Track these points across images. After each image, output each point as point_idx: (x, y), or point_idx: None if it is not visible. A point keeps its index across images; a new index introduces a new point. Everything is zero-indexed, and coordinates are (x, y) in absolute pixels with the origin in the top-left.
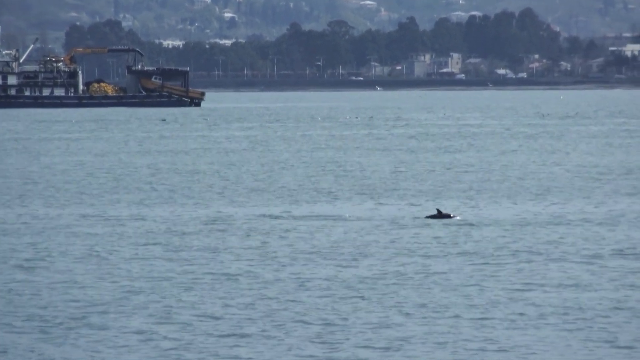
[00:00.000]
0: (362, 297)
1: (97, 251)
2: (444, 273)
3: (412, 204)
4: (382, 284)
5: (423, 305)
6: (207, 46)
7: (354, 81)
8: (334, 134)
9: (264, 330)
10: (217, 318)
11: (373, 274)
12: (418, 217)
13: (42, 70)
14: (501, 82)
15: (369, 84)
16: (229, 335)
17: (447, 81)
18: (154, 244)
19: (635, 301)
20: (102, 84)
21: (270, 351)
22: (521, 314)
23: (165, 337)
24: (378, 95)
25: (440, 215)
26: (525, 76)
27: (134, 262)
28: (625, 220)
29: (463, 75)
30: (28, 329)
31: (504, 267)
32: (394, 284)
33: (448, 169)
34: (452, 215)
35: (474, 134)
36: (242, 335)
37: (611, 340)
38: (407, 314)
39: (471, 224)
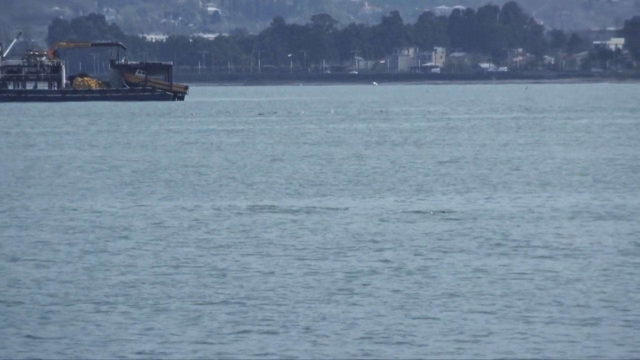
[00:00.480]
0: (349, 291)
1: (98, 244)
2: (429, 267)
3: (399, 197)
4: (370, 278)
5: (406, 297)
6: (190, 40)
7: (338, 75)
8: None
9: (249, 325)
10: (199, 319)
11: (358, 267)
12: (405, 211)
13: (26, 64)
14: (484, 76)
15: (353, 77)
16: (214, 333)
17: (431, 75)
18: (155, 239)
19: (622, 295)
20: (85, 78)
21: (260, 347)
22: (508, 306)
23: (158, 333)
24: (379, 90)
25: None
26: (507, 70)
27: (128, 256)
28: (615, 215)
29: (438, 68)
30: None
31: (499, 260)
32: (380, 277)
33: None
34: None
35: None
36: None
37: (600, 335)
38: (393, 307)
39: (464, 218)
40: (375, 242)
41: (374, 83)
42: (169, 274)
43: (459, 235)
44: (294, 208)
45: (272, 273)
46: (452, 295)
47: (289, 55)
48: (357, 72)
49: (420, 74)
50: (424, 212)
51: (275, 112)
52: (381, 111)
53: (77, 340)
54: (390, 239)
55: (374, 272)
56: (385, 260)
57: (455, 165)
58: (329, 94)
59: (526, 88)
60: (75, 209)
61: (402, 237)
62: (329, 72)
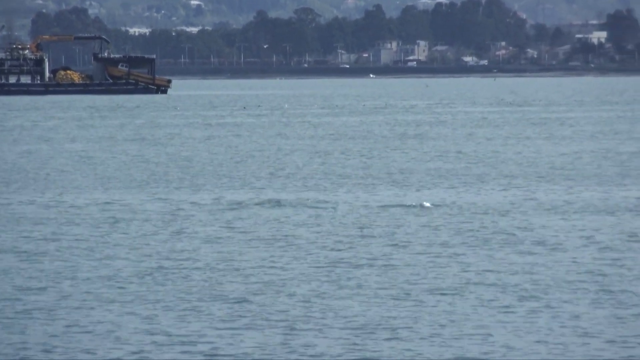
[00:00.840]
0: (333, 282)
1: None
2: (413, 259)
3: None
4: (355, 271)
5: (388, 290)
6: (173, 34)
7: (321, 69)
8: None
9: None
10: (183, 316)
11: (343, 260)
12: (386, 205)
13: (9, 57)
14: (467, 70)
15: (336, 71)
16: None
17: (413, 69)
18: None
19: (599, 287)
20: (68, 71)
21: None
22: (491, 299)
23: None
24: (380, 84)
25: None
26: (487, 63)
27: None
28: (593, 208)
29: (414, 62)
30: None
31: (484, 253)
32: (365, 271)
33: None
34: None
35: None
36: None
37: (586, 328)
38: (380, 300)
39: (448, 210)
40: (361, 235)
41: (371, 75)
42: (153, 268)
43: (441, 228)
44: (279, 201)
45: (253, 266)
46: (437, 288)
47: (265, 46)
48: (348, 66)
49: (402, 68)
50: (408, 206)
51: (260, 106)
52: (386, 106)
53: (60, 337)
54: (376, 232)
55: (358, 265)
56: (371, 254)
57: (446, 159)
58: (331, 88)
59: (494, 79)
60: (61, 202)
61: (387, 231)
62: (305, 65)
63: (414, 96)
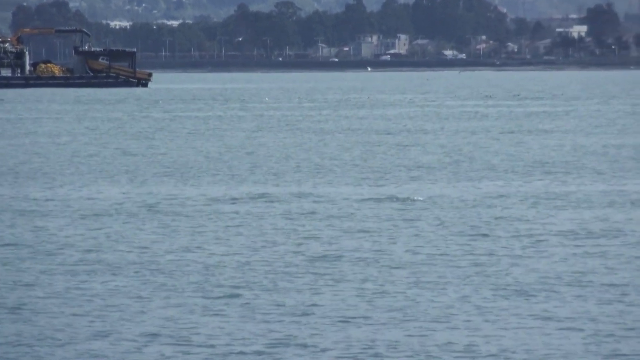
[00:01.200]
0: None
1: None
2: (397, 252)
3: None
4: (334, 264)
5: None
6: (154, 27)
7: (302, 62)
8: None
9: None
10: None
11: (321, 254)
12: (368, 198)
13: None
14: (449, 64)
15: (317, 65)
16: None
17: (395, 62)
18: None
19: (577, 278)
20: (49, 64)
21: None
22: (474, 291)
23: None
24: (380, 77)
25: None
26: (465, 57)
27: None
28: (574, 200)
29: (388, 56)
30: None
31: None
32: (342, 264)
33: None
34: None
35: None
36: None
37: (561, 319)
38: (357, 294)
39: (428, 204)
40: (340, 229)
41: (368, 68)
42: (153, 261)
43: (420, 220)
44: (255, 196)
45: (224, 262)
46: (415, 282)
47: (238, 39)
48: (337, 60)
49: (383, 61)
50: (387, 199)
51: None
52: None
53: (50, 337)
54: (356, 225)
55: (337, 258)
56: (349, 246)
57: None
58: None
59: (460, 72)
60: (52, 196)
61: (366, 223)
62: (280, 59)
63: (429, 90)
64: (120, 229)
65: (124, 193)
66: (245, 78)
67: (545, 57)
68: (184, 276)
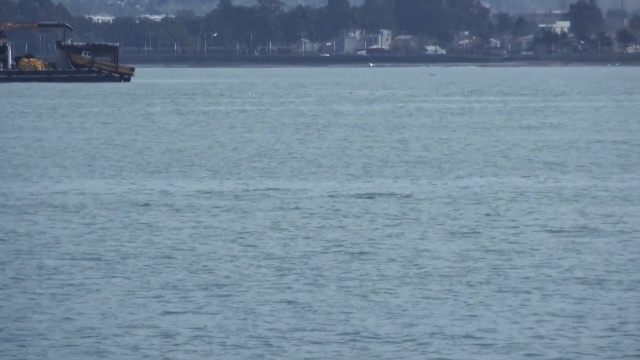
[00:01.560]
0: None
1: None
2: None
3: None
4: (314, 259)
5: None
6: (137, 22)
7: (285, 57)
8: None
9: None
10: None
11: (307, 250)
12: (355, 194)
13: None
14: (430, 59)
15: (300, 60)
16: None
17: (377, 58)
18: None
19: (563, 273)
20: (31, 59)
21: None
22: (459, 288)
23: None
24: (386, 73)
25: None
26: (445, 52)
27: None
28: (554, 196)
29: (364, 51)
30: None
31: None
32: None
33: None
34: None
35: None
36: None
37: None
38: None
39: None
40: (325, 225)
41: (371, 64)
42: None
43: (408, 217)
44: (245, 191)
45: (210, 257)
46: (400, 277)
47: (214, 35)
48: (328, 55)
49: (365, 57)
50: (374, 195)
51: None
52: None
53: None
54: (342, 221)
55: (322, 253)
56: (335, 241)
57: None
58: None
59: (429, 66)
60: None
61: (354, 219)
62: (256, 54)
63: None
64: (92, 222)
65: (104, 187)
66: (231, 73)
67: (524, 53)
68: (167, 272)
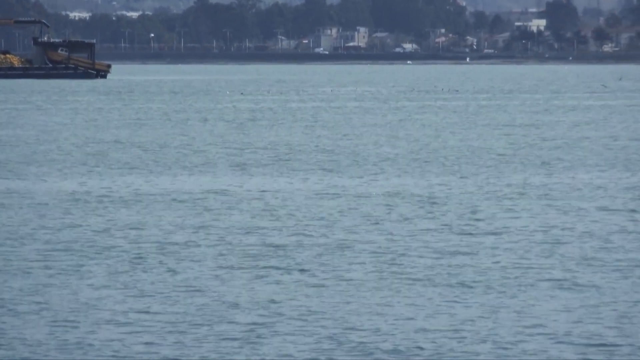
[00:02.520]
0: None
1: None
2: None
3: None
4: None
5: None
6: (113, 18)
7: (261, 54)
8: None
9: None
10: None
11: (296, 245)
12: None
13: None
14: (408, 57)
15: (276, 57)
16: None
17: (352, 55)
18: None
19: (546, 272)
20: (8, 55)
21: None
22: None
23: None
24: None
25: None
26: (415, 50)
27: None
28: (535, 195)
29: (325, 50)
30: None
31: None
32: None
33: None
34: None
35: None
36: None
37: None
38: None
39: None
40: (317, 221)
41: (409, 62)
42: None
43: (399, 214)
44: (244, 188)
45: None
46: (387, 274)
47: (189, 29)
48: (327, 52)
49: (343, 54)
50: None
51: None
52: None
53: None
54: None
55: (303, 247)
56: (334, 238)
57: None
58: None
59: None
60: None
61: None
62: (214, 50)
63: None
64: (75, 217)
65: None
66: (218, 70)
67: (486, 51)
68: (150, 266)
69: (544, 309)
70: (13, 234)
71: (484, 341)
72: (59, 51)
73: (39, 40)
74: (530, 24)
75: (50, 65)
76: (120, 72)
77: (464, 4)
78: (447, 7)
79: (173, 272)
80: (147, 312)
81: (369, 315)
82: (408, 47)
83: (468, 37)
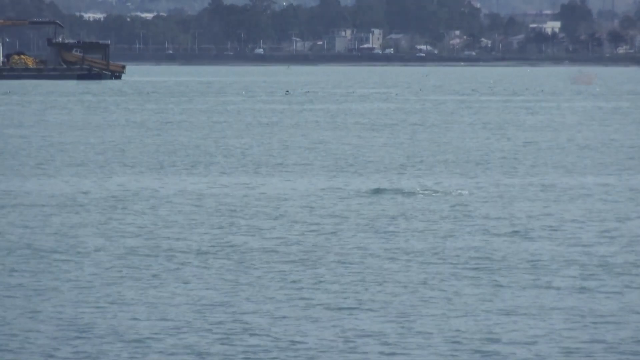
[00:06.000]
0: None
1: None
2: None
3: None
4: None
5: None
6: (128, 19)
7: (275, 56)
8: None
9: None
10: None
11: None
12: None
13: None
14: (419, 59)
15: (289, 58)
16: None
17: (367, 56)
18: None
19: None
20: (22, 56)
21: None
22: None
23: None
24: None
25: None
26: (430, 52)
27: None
28: (532, 194)
29: (307, 50)
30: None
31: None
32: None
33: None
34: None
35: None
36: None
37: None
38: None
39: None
40: (318, 222)
41: (461, 63)
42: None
43: (396, 214)
44: (248, 186)
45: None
46: (383, 274)
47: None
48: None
49: (357, 56)
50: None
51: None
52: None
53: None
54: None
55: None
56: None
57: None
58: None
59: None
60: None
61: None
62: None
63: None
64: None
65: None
66: (235, 71)
67: (491, 53)
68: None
69: (558, 312)
70: (30, 232)
71: (499, 341)
72: (74, 52)
73: (54, 41)
74: (544, 25)
75: (65, 66)
76: (135, 73)
77: (479, 5)
78: (462, 9)
79: (161, 277)
80: (139, 319)
81: (369, 315)
82: (422, 48)
83: (482, 39)
